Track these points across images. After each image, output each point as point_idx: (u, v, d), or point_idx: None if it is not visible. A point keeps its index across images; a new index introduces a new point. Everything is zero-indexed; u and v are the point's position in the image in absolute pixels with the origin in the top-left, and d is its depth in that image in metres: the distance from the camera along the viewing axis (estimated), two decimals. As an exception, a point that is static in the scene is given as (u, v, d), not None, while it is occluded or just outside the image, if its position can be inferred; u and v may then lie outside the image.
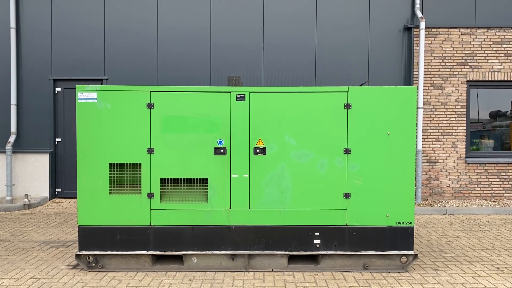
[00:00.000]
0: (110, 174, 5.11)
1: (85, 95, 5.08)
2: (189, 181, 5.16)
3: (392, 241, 5.25)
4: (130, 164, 5.14)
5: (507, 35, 9.82)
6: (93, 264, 5.20)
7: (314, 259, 5.36)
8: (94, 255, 5.18)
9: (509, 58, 9.82)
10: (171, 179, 5.14)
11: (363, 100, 5.18)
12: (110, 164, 5.11)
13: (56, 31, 9.73)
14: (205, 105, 5.12)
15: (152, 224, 5.15)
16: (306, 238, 5.22)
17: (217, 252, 5.20)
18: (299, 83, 9.65)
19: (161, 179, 5.13)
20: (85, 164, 5.11)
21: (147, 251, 5.18)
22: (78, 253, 5.18)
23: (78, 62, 9.72)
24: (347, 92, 5.18)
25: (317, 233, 5.22)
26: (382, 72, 9.82)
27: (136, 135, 5.10)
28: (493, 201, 9.71)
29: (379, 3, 9.90)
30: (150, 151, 5.10)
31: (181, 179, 5.15)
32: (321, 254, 5.24)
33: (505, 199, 9.86)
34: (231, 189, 5.16)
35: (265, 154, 5.16)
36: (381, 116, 5.18)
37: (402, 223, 5.25)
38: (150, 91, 5.10)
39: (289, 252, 5.23)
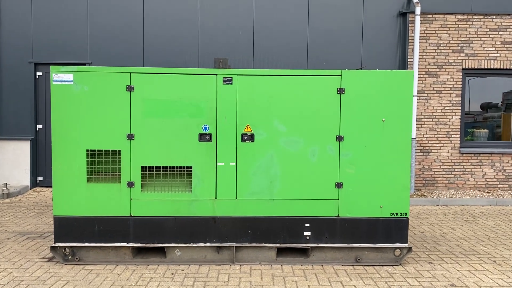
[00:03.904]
0: (87, 161, 4.79)
1: (61, 76, 4.74)
2: (172, 169, 4.85)
3: (385, 233, 5.00)
4: (108, 150, 4.82)
5: (504, 22, 9.57)
6: (70, 257, 4.90)
7: (304, 252, 5.10)
8: (71, 247, 4.87)
9: (505, 45, 9.57)
10: (152, 167, 4.84)
11: (357, 85, 4.90)
12: (88, 150, 4.79)
13: (37, 13, 9.29)
14: (189, 88, 4.80)
15: (132, 215, 4.85)
16: (296, 230, 4.96)
17: (202, 244, 4.91)
18: (290, 68, 9.33)
19: (142, 167, 4.82)
20: (61, 150, 4.78)
21: (127, 243, 4.88)
22: (53, 245, 4.87)
23: (60, 45, 9.30)
24: (341, 76, 4.89)
25: (307, 225, 4.96)
26: (376, 59, 9.52)
27: (115, 120, 4.77)
28: (487, 192, 9.53)
29: (374, -12, 9.58)
30: (130, 137, 4.78)
31: (163, 167, 4.84)
32: (311, 247, 4.98)
33: (499, 190, 9.68)
34: (217, 178, 4.86)
35: (253, 141, 4.87)
36: (375, 101, 4.90)
37: (396, 214, 5.00)
38: (130, 73, 4.77)
39: (278, 245, 4.97)
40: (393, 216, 4.99)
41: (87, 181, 4.81)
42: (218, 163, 4.85)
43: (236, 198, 4.89)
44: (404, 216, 5.00)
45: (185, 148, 4.82)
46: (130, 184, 4.81)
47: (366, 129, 4.92)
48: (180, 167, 4.86)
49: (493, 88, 9.98)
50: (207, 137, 4.83)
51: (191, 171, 4.85)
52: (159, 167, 4.84)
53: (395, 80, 4.91)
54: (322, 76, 4.89)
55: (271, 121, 4.86)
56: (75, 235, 4.85)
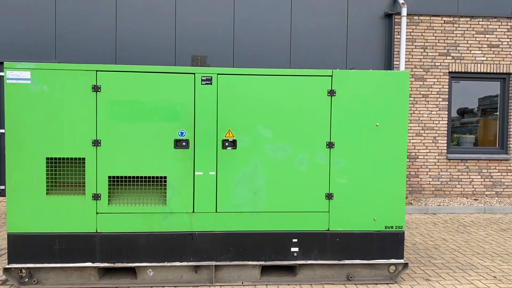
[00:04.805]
0: (47, 170, 4.22)
1: (16, 74, 4.16)
2: (143, 179, 4.32)
3: (379, 248, 4.57)
4: (71, 158, 4.25)
5: (490, 24, 9.34)
6: (26, 279, 4.31)
7: (291, 270, 4.63)
8: (28, 268, 4.28)
9: (492, 49, 9.35)
10: (121, 177, 4.29)
11: (349, 86, 4.47)
12: (48, 158, 4.21)
13: (0, 10, 8.61)
14: (163, 88, 4.28)
15: (98, 231, 4.29)
16: (282, 246, 4.48)
17: (178, 263, 4.38)
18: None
19: (109, 177, 4.27)
20: (16, 158, 4.19)
21: (93, 263, 4.32)
22: (7, 266, 4.27)
23: (25, 44, 8.63)
24: (331, 76, 4.45)
25: (294, 240, 4.49)
26: (361, 61, 9.16)
27: (79, 124, 4.22)
28: (475, 199, 9.25)
29: (359, -12, 9.24)
30: (96, 143, 4.23)
31: (134, 177, 4.30)
32: (299, 264, 4.52)
33: (486, 197, 9.42)
34: (195, 189, 4.35)
35: (235, 148, 4.38)
36: (369, 104, 4.48)
37: (392, 227, 4.58)
38: (97, 71, 4.22)
39: (262, 262, 4.48)
40: (388, 229, 4.57)
41: (47, 193, 4.23)
42: (196, 173, 4.34)
43: (216, 212, 4.38)
44: (400, 229, 4.58)
45: (158, 156, 4.30)
46: (96, 197, 4.25)
47: (359, 134, 4.49)
48: (153, 177, 4.33)
49: (469, 93, 9.73)
50: (184, 143, 4.32)
51: (165, 181, 4.33)
52: (129, 177, 4.30)
53: (390, 81, 4.50)
54: (311, 76, 4.44)
55: (255, 126, 4.38)
56: (33, 254, 4.26)
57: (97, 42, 8.73)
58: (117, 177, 4.29)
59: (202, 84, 4.32)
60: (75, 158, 4.25)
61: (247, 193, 4.41)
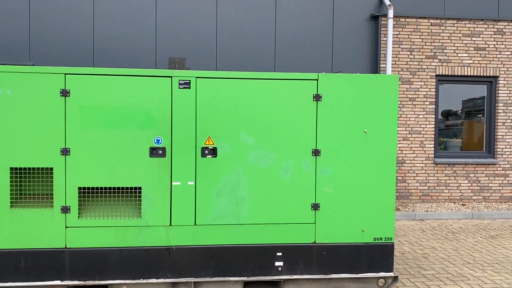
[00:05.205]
0: (11, 182, 3.89)
1: (-23, 77, 3.84)
2: (116, 190, 4.02)
3: (368, 261, 4.35)
4: (38, 168, 3.93)
5: (477, 27, 9.24)
6: (-11, 300, 3.98)
7: (275, 285, 4.37)
8: (-10, 287, 3.96)
9: (479, 52, 9.24)
10: (92, 188, 3.99)
11: (335, 91, 4.23)
12: (12, 169, 3.89)
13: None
14: (138, 93, 3.99)
15: (68, 246, 3.97)
16: (266, 260, 4.22)
17: (154, 280, 4.09)
18: (256, 74, 8.63)
19: (79, 188, 3.96)
20: (-22, 168, 3.87)
21: (62, 281, 4.00)
22: (-33, 285, 3.94)
23: (-2, 45, 8.25)
24: (317, 80, 4.21)
25: (279, 254, 4.23)
26: (347, 64, 8.96)
27: (46, 131, 3.90)
28: (462, 204, 9.12)
29: (344, -11, 9.05)
30: (65, 152, 3.92)
31: (106, 188, 4.00)
32: (283, 279, 4.26)
33: (473, 202, 9.30)
34: (172, 200, 4.06)
35: (215, 156, 4.11)
36: (356, 110, 4.26)
37: (381, 239, 4.35)
38: (65, 74, 3.91)
39: (245, 278, 4.21)
40: (376, 241, 4.35)
41: (11, 206, 3.90)
42: (173, 183, 4.05)
43: (195, 224, 4.10)
44: (389, 241, 4.37)
45: (133, 165, 4.00)
46: (65, 209, 3.94)
47: (346, 141, 4.26)
48: (127, 188, 4.04)
49: (453, 95, 9.62)
50: (160, 151, 4.03)
51: (140, 192, 4.03)
52: (101, 188, 4.00)
53: (379, 85, 4.28)
54: (296, 80, 4.20)
55: (237, 133, 4.12)
56: (-4, 272, 3.94)
57: (75, 45, 8.37)
58: (88, 188, 3.99)
59: (179, 88, 4.04)
60: (42, 168, 3.93)
61: (229, 204, 4.14)
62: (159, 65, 8.45)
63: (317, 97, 4.21)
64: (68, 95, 3.91)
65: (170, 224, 4.08)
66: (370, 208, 4.32)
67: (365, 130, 4.27)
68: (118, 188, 4.02)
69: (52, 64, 8.13)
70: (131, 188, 4.03)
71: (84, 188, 3.98)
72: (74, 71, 3.93)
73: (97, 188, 3.99)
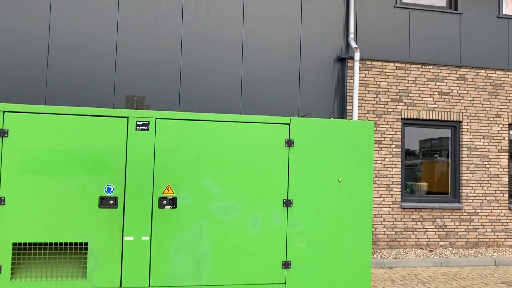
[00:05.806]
0: None
1: None
2: (58, 246, 3.47)
3: (343, 324, 3.93)
4: (-36, 220, 3.35)
5: (441, 72, 9.32)
6: None
7: None
8: None
9: (443, 96, 9.29)
10: (30, 243, 3.43)
11: (308, 136, 3.92)
12: None
13: None
14: (88, 134, 3.53)
15: (-5, 314, 3.36)
16: (230, 326, 3.73)
17: None
18: (222, 113, 8.28)
19: (14, 244, 3.40)
20: None
21: None
22: None
23: None
24: (289, 124, 3.89)
25: (245, 318, 3.76)
26: (313, 105, 8.78)
27: (-23, 177, 3.35)
28: (430, 250, 8.90)
29: (311, 31, 8.96)
30: (-2, 201, 3.37)
31: (46, 243, 3.45)
32: None
33: (440, 248, 9.10)
34: (123, 258, 3.54)
35: (175, 207, 3.65)
36: (331, 157, 3.94)
37: (356, 299, 3.96)
38: (4, 112, 3.41)
39: None
40: (352, 301, 3.95)
41: None
42: (125, 238, 3.55)
43: (149, 286, 3.58)
44: (366, 301, 3.98)
45: (79, 217, 3.48)
46: (-5, 269, 3.35)
47: (320, 191, 3.92)
48: (71, 244, 3.50)
49: (410, 135, 9.56)
50: (111, 201, 3.54)
51: (86, 249, 3.50)
52: (40, 243, 3.45)
53: (353, 131, 4.00)
54: (267, 124, 3.86)
55: (201, 181, 3.69)
56: None
57: (25, 80, 7.77)
58: (24, 244, 3.42)
59: (136, 129, 3.61)
60: (-31, 220, 3.36)
61: (189, 262, 3.65)
62: (117, 103, 7.96)
63: (289, 143, 3.87)
64: (6, 135, 3.39)
65: (120, 286, 3.54)
66: (345, 265, 3.94)
67: (340, 179, 3.95)
68: (61, 243, 3.48)
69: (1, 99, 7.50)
70: (75, 243, 3.50)
71: (19, 243, 3.42)
72: (14, 108, 3.43)
73: (35, 243, 3.44)
